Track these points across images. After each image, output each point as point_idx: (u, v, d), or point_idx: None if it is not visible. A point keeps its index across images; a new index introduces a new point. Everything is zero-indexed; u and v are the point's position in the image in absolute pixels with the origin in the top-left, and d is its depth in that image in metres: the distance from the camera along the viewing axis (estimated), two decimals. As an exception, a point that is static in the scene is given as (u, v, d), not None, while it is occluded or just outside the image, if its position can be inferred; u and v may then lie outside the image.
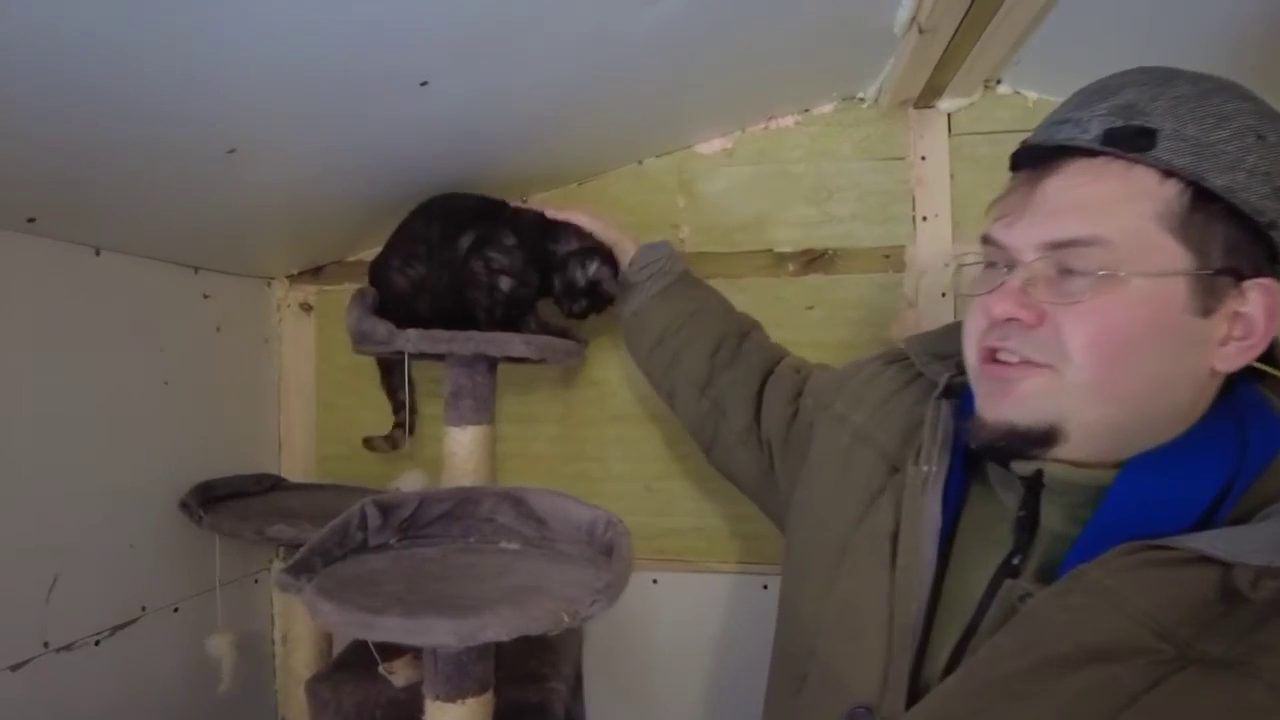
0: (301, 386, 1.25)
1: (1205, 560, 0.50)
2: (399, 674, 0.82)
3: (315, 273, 1.25)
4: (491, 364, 0.96)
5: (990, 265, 0.64)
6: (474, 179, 1.07)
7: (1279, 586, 0.48)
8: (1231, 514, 0.55)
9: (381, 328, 0.88)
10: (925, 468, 0.66)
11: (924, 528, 0.64)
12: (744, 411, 0.92)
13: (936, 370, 0.74)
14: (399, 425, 1.13)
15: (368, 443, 1.15)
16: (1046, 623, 0.54)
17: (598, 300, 0.99)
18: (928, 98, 1.11)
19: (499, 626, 0.62)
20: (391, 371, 1.08)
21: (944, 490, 0.66)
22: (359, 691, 0.86)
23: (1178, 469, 0.57)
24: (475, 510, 0.86)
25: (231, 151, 0.78)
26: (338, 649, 1.04)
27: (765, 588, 1.16)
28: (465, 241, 0.96)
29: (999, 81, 1.12)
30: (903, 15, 0.89)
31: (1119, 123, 0.57)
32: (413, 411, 1.15)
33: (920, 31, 0.88)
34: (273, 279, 1.23)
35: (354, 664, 0.91)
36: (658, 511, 1.19)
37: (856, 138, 1.16)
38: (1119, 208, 0.56)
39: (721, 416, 0.94)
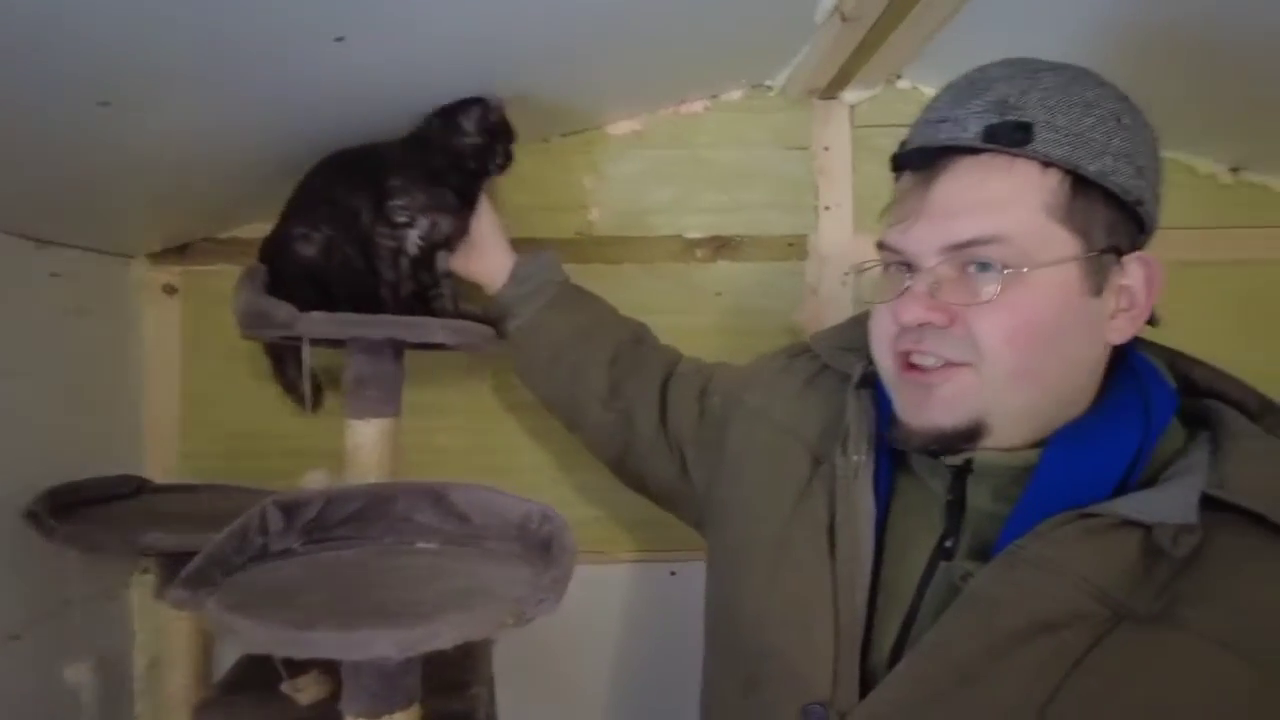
0: (166, 378, 1.11)
1: (1130, 524, 0.54)
2: (305, 691, 0.74)
3: (180, 251, 1.11)
4: (399, 350, 0.89)
5: (889, 268, 0.65)
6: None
7: (1194, 542, 0.52)
8: (1142, 476, 0.59)
9: (282, 310, 0.79)
10: (855, 458, 0.67)
11: (860, 518, 0.65)
12: (651, 417, 0.90)
13: (847, 362, 0.75)
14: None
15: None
16: (993, 599, 0.56)
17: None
18: (833, 89, 1.13)
19: (449, 633, 0.57)
20: (284, 360, 0.98)
21: (873, 479, 0.66)
22: (258, 715, 0.78)
23: (1096, 441, 0.60)
24: (390, 509, 0.79)
25: (105, 104, 0.67)
26: (219, 670, 0.94)
27: (672, 574, 1.15)
28: (362, 203, 0.88)
29: (899, 76, 1.16)
30: (826, 3, 0.90)
31: (996, 119, 0.59)
32: (316, 404, 1.03)
33: (843, 19, 0.89)
34: (131, 257, 1.09)
35: (246, 685, 0.82)
36: (565, 503, 1.15)
37: (765, 126, 1.17)
38: (1010, 203, 0.59)
39: (630, 426, 0.92)
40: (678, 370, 0.94)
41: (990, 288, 0.58)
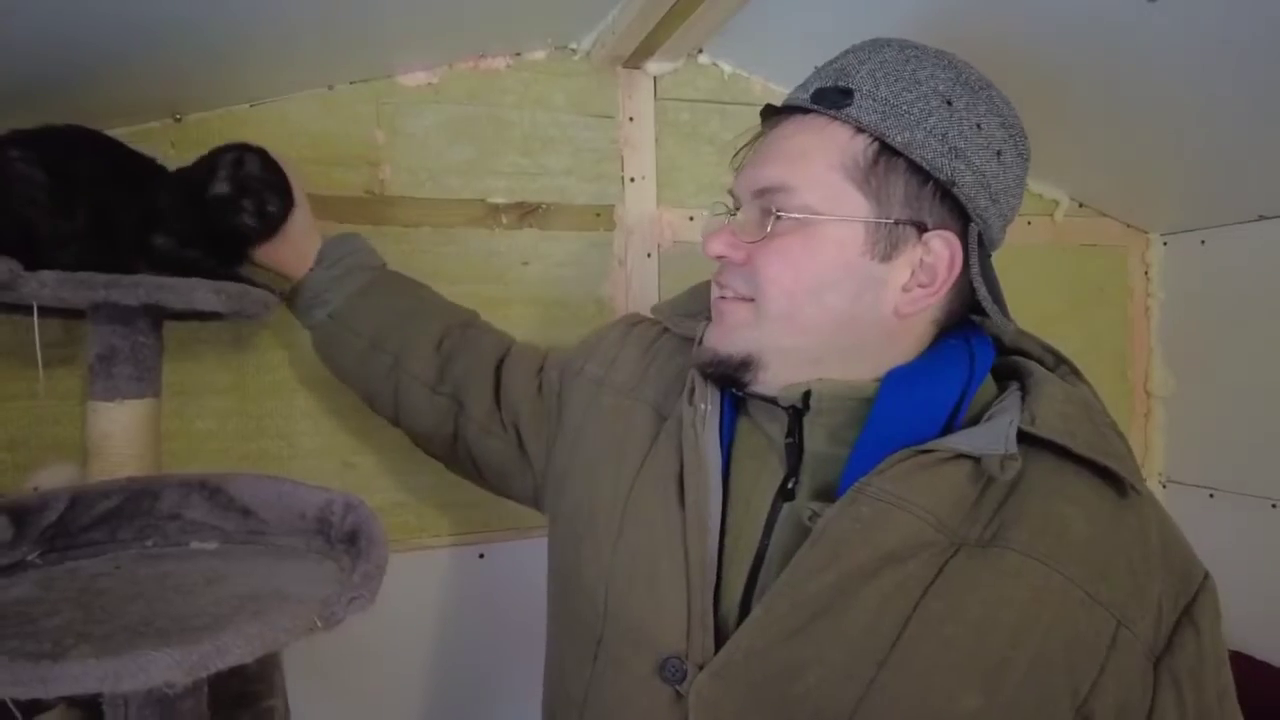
0: None
1: (961, 457, 0.58)
2: (49, 731, 0.62)
3: None
4: (156, 319, 0.76)
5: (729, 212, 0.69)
6: (106, 84, 0.84)
7: (1017, 468, 0.57)
8: (966, 417, 0.63)
9: (0, 265, 0.64)
10: (701, 407, 0.68)
11: (707, 463, 0.66)
12: (484, 398, 0.86)
13: (688, 326, 0.76)
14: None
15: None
16: (842, 536, 0.58)
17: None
18: (638, 59, 1.12)
19: (243, 647, 0.49)
20: None
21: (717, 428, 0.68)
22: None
23: (927, 382, 0.64)
24: (154, 506, 0.68)
25: None
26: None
27: (481, 556, 1.10)
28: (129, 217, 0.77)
29: (700, 51, 1.17)
30: (641, -35, 0.88)
31: (829, 84, 0.63)
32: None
33: (655, -15, 0.87)
34: None
35: (-39, 732, 0.66)
36: (360, 489, 1.03)
37: (569, 90, 1.13)
38: (809, 158, 0.62)
39: (460, 410, 0.86)
40: (513, 351, 0.90)
41: (777, 230, 0.62)
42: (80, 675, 0.44)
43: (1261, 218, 1.28)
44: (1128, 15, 0.85)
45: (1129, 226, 1.44)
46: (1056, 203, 1.38)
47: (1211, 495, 1.38)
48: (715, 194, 1.08)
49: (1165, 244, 1.44)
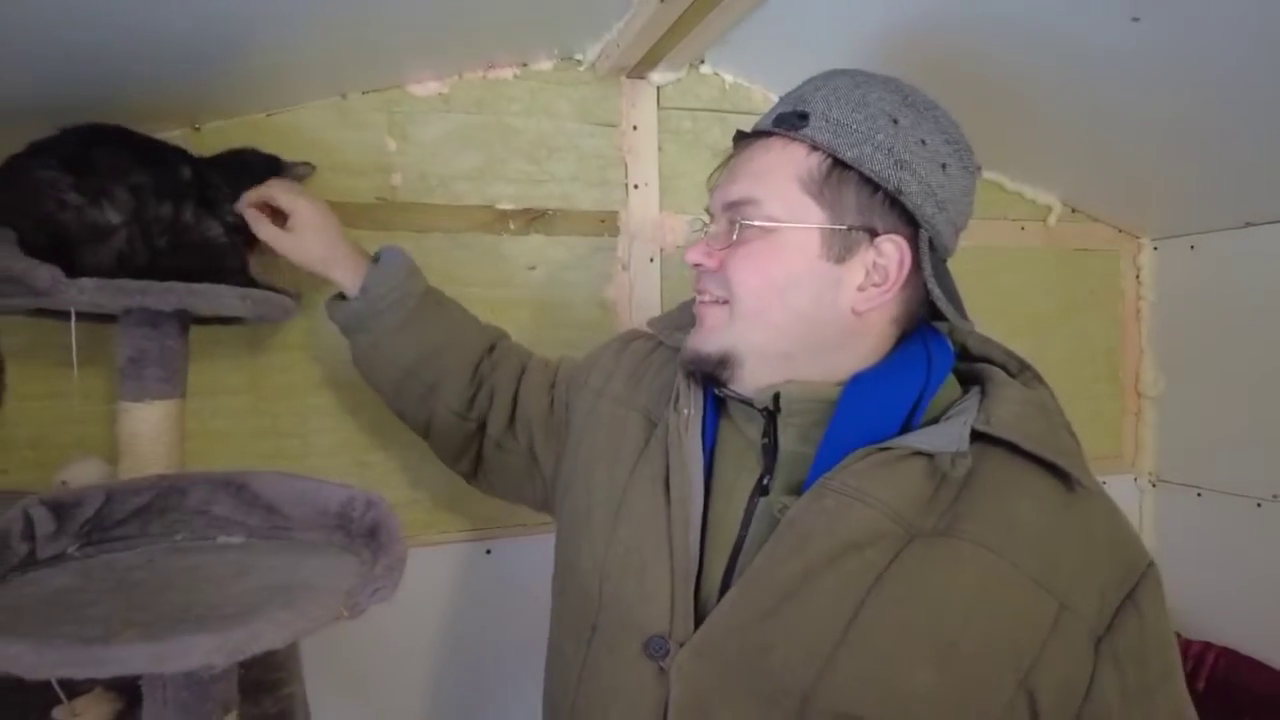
0: None
1: (917, 454, 0.64)
2: (86, 714, 0.65)
3: None
4: (184, 324, 0.79)
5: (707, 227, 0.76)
6: (130, 95, 0.87)
7: (968, 464, 0.63)
8: (924, 418, 0.68)
9: (44, 272, 0.66)
10: (685, 411, 0.73)
11: (691, 464, 0.71)
12: (503, 415, 0.91)
13: (678, 339, 0.81)
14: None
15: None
16: (808, 527, 0.63)
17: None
18: (642, 69, 1.15)
19: (275, 633, 0.52)
20: None
21: (701, 431, 0.73)
22: (19, 749, 0.67)
23: (886, 385, 0.69)
24: (182, 502, 0.71)
25: None
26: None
27: (489, 552, 1.14)
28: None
29: (703, 61, 1.20)
30: (646, -18, 0.91)
31: (789, 109, 0.69)
32: None
33: (661, 1, 0.90)
34: None
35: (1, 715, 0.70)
36: (372, 487, 1.05)
37: (574, 99, 1.16)
38: (771, 174, 0.69)
39: (481, 431, 0.92)
40: (529, 366, 0.94)
41: (745, 239, 0.69)
42: (129, 658, 0.48)
43: (1249, 224, 1.31)
44: (1112, 33, 0.88)
45: (1121, 231, 1.47)
46: (1050, 208, 1.41)
47: (1200, 494, 1.41)
48: (716, 200, 1.12)
49: (1156, 249, 1.48)
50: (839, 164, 0.67)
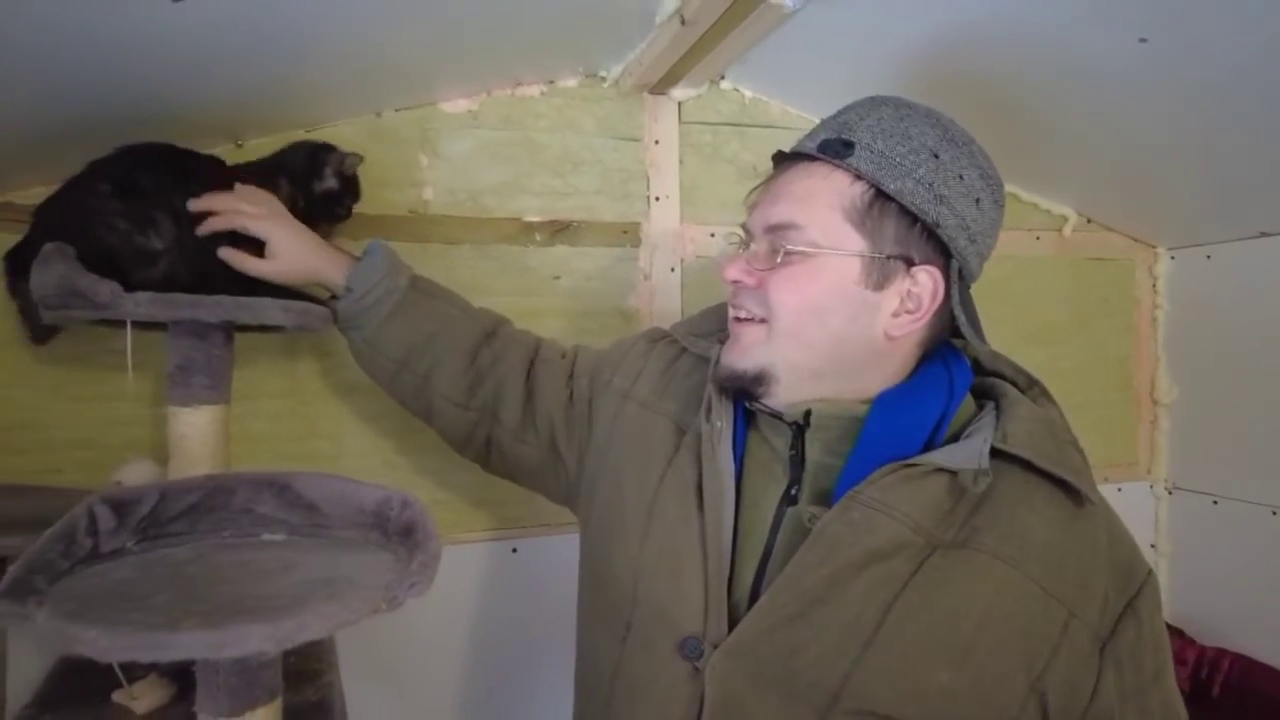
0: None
1: (940, 470, 0.67)
2: (143, 698, 0.70)
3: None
4: (229, 333, 0.84)
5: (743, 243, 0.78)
6: (176, 114, 0.92)
7: (988, 481, 0.66)
8: (946, 435, 0.71)
9: (104, 287, 0.72)
10: (717, 423, 0.76)
11: (723, 474, 0.74)
12: (516, 408, 0.92)
13: (703, 346, 0.84)
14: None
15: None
16: (836, 536, 0.66)
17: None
18: (664, 85, 1.19)
19: (321, 623, 0.56)
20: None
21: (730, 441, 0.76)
22: (83, 728, 0.71)
23: (910, 404, 0.72)
24: (229, 501, 0.75)
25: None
26: (13, 685, 0.84)
27: (514, 551, 1.18)
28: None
29: (723, 78, 1.24)
30: (669, 6, 0.94)
31: (834, 136, 0.71)
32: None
33: (683, 23, 0.94)
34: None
35: (64, 697, 0.74)
36: (401, 486, 1.11)
37: (598, 115, 1.20)
38: (814, 200, 0.71)
39: (495, 421, 0.92)
40: (540, 355, 0.95)
41: (786, 261, 0.71)
42: (190, 644, 0.52)
43: (1264, 234, 1.32)
44: (1122, 53, 0.90)
45: (1136, 241, 1.49)
46: (1065, 218, 1.43)
47: (1215, 502, 1.42)
48: (735, 211, 1.15)
49: (1173, 258, 1.49)
50: (881, 195, 0.69)
